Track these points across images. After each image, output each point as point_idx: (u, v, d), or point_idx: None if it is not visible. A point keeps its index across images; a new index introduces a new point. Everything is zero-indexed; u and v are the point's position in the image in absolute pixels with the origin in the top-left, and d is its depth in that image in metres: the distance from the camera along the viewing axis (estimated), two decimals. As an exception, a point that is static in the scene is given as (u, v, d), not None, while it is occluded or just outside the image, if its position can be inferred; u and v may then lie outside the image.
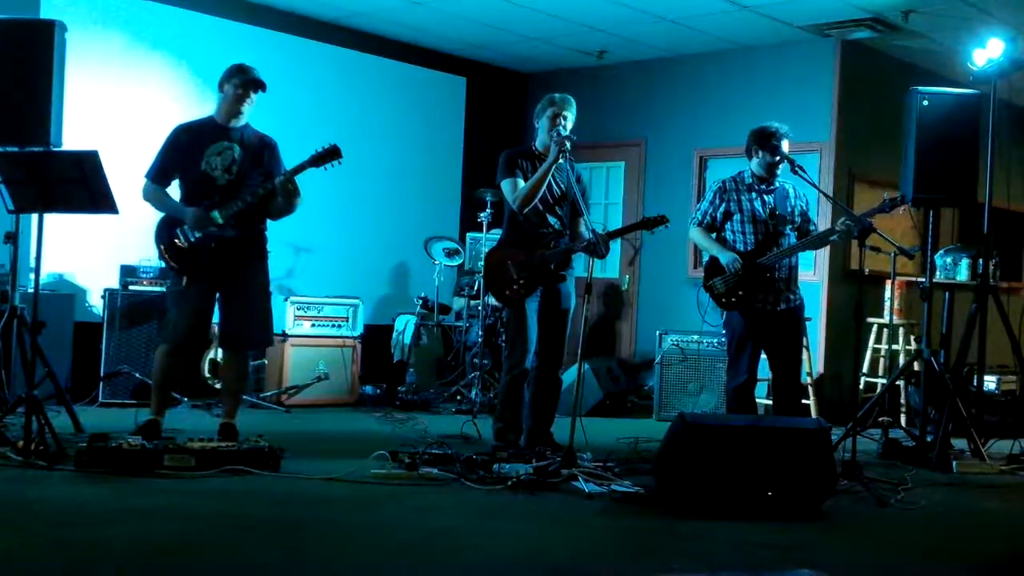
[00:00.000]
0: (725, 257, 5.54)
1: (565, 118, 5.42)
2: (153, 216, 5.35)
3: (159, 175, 5.32)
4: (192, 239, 5.17)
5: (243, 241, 5.27)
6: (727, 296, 5.57)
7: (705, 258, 5.83)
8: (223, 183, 5.22)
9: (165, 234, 5.25)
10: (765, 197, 5.61)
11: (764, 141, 5.56)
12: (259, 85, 5.28)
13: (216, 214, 5.13)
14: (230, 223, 5.18)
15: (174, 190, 5.38)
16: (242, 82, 5.26)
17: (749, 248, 5.56)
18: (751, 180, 5.63)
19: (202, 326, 5.36)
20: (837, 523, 4.30)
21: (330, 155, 5.21)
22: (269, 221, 5.43)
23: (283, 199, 5.22)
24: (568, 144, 5.27)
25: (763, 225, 5.57)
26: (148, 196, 5.32)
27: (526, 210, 5.34)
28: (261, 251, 5.42)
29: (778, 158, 5.53)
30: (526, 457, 5.00)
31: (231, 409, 5.42)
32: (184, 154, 5.27)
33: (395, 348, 8.22)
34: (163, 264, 5.41)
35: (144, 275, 6.84)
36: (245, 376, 5.61)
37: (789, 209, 5.64)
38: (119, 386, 6.69)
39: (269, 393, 7.18)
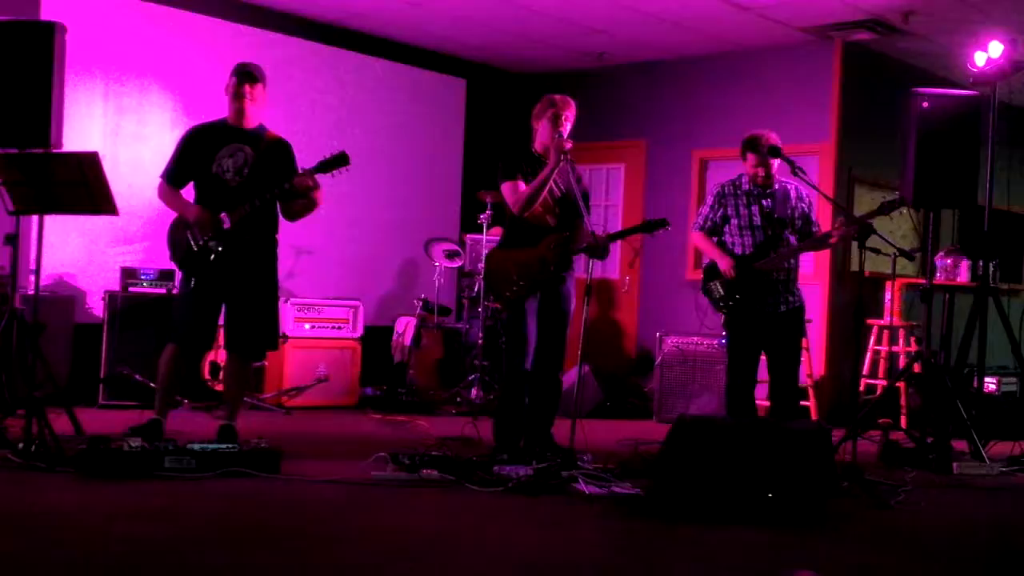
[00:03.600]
0: (722, 263, 5.56)
1: (566, 118, 5.41)
2: (155, 218, 5.35)
3: (173, 176, 5.32)
4: (201, 241, 5.16)
5: (252, 245, 5.26)
6: (725, 300, 5.58)
7: (705, 261, 5.83)
8: (234, 185, 5.21)
9: (176, 235, 5.25)
10: (763, 201, 5.61)
11: (744, 149, 5.57)
12: (247, 76, 5.25)
13: (224, 216, 5.12)
14: (239, 226, 5.15)
15: (189, 191, 5.37)
16: (234, 76, 5.27)
17: (747, 252, 5.57)
18: (748, 185, 5.63)
19: (207, 328, 5.34)
20: (837, 525, 4.29)
21: (338, 161, 5.19)
22: (285, 223, 5.42)
23: (305, 197, 5.22)
24: (568, 146, 5.26)
25: (760, 230, 5.58)
26: (161, 196, 5.35)
27: (525, 214, 5.34)
28: (271, 256, 5.40)
29: (759, 169, 5.53)
30: (526, 459, 5.01)
31: (232, 412, 5.40)
32: (197, 156, 5.27)
33: (395, 350, 8.22)
34: (171, 265, 5.42)
35: (144, 277, 6.84)
36: (247, 380, 5.58)
37: (789, 212, 5.63)
38: (119, 388, 6.69)
39: (269, 395, 7.18)
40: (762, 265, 5.52)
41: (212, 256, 5.15)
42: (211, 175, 5.23)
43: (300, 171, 5.20)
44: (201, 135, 5.33)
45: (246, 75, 5.27)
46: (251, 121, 5.33)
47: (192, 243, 5.17)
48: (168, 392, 5.37)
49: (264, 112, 5.42)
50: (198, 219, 5.14)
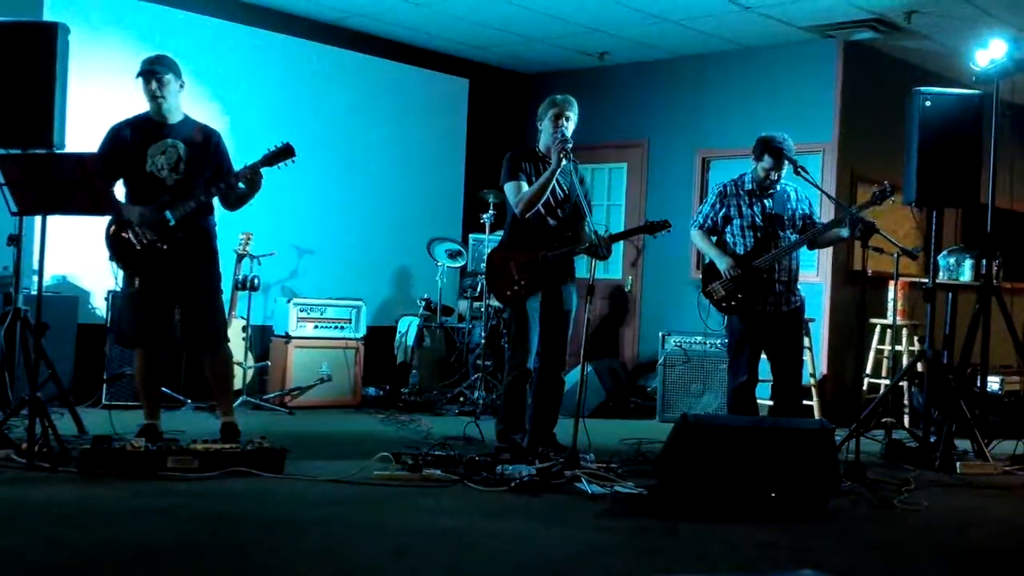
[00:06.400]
0: (722, 263, 5.56)
1: (568, 118, 5.42)
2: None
3: (103, 176, 5.12)
4: (145, 240, 5.09)
5: (194, 240, 5.19)
6: (726, 300, 5.59)
7: (706, 260, 5.84)
8: (171, 183, 5.14)
9: (117, 235, 5.14)
10: (764, 201, 5.61)
11: (763, 150, 5.54)
12: (145, 73, 5.14)
13: (168, 214, 5.06)
14: (182, 223, 5.10)
15: (119, 189, 5.28)
16: (138, 75, 5.18)
17: (747, 252, 5.57)
18: (751, 185, 5.63)
19: (162, 325, 5.26)
20: (840, 524, 4.30)
21: (283, 154, 5.13)
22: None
23: (248, 188, 5.17)
24: (569, 145, 5.27)
25: (761, 229, 5.58)
26: None
27: (528, 215, 5.34)
28: (212, 249, 5.33)
29: (774, 171, 5.52)
30: (529, 458, 5.01)
31: (226, 407, 5.39)
32: (127, 154, 5.17)
33: (398, 350, 8.22)
34: (116, 265, 5.31)
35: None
36: (227, 371, 5.49)
37: (789, 213, 5.64)
38: (122, 388, 6.69)
39: (272, 395, 7.19)
40: (761, 263, 5.52)
41: (158, 255, 5.08)
42: (145, 174, 5.14)
43: (244, 166, 5.12)
44: (126, 132, 5.22)
45: (148, 73, 5.16)
46: (175, 115, 5.26)
47: (135, 242, 5.10)
48: (152, 395, 5.34)
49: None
50: (145, 218, 5.07)
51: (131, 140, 5.19)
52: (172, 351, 6.14)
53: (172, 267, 5.15)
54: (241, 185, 5.18)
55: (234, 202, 5.31)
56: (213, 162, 5.25)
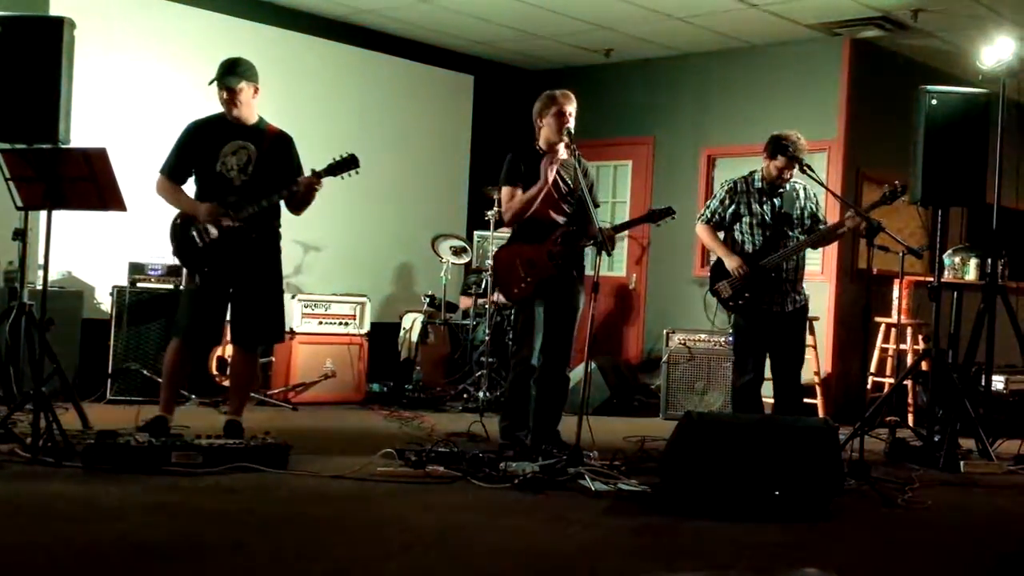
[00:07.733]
0: (730, 262, 5.55)
1: (571, 114, 5.42)
2: (162, 213, 5.35)
3: (175, 171, 5.26)
4: (208, 238, 5.15)
5: (257, 240, 5.23)
6: (734, 299, 5.58)
7: (712, 258, 5.83)
8: (239, 184, 5.18)
9: (180, 231, 5.22)
10: (774, 200, 5.61)
11: (776, 149, 5.53)
12: (224, 85, 5.13)
13: (231, 215, 5.11)
14: (244, 224, 5.14)
15: (189, 186, 5.35)
16: (218, 85, 5.17)
17: (756, 250, 5.57)
18: (761, 183, 5.62)
19: (215, 324, 5.36)
20: (844, 523, 4.29)
21: (347, 164, 5.17)
22: (289, 217, 5.42)
23: (303, 194, 5.21)
24: (571, 149, 5.32)
25: (771, 228, 5.57)
26: (161, 191, 5.28)
27: (513, 225, 5.42)
28: (275, 250, 5.39)
29: (786, 172, 5.51)
30: (532, 455, 5.01)
31: (238, 407, 5.41)
32: (199, 152, 5.22)
33: (402, 346, 8.23)
34: (176, 261, 5.42)
35: (152, 272, 6.86)
36: (254, 374, 5.59)
37: (797, 211, 5.63)
38: (127, 383, 6.71)
39: (276, 390, 7.19)
40: (769, 262, 5.52)
41: (219, 253, 5.12)
42: (215, 173, 5.19)
43: (312, 172, 5.17)
44: (202, 131, 5.27)
45: (223, 84, 5.15)
46: (250, 117, 5.28)
47: (197, 240, 5.16)
48: (173, 388, 5.38)
49: (266, 106, 5.40)
50: (208, 214, 5.12)
51: (205, 139, 5.22)
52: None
53: (232, 265, 5.19)
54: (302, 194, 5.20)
55: (297, 206, 5.32)
56: (284, 166, 5.25)
